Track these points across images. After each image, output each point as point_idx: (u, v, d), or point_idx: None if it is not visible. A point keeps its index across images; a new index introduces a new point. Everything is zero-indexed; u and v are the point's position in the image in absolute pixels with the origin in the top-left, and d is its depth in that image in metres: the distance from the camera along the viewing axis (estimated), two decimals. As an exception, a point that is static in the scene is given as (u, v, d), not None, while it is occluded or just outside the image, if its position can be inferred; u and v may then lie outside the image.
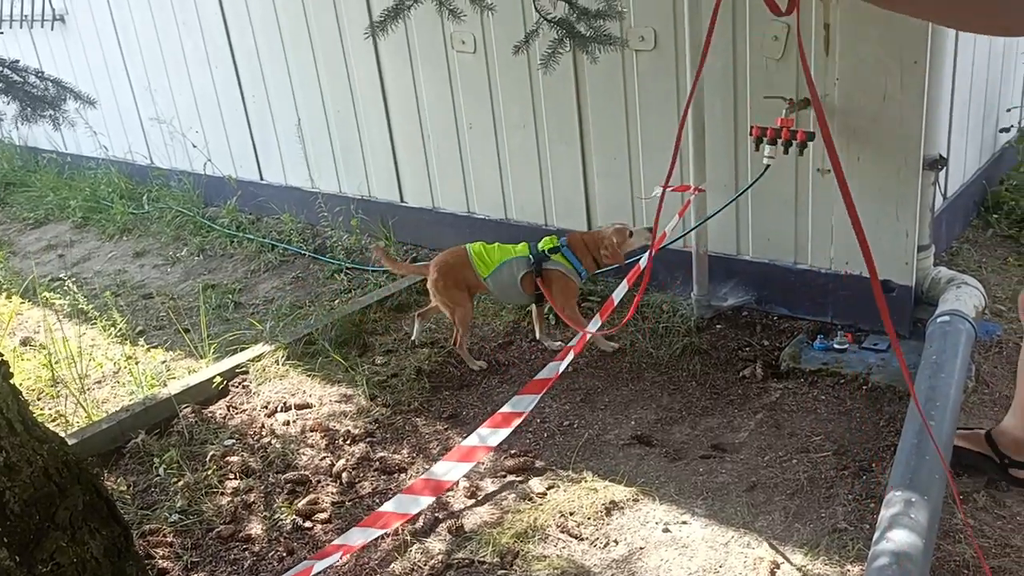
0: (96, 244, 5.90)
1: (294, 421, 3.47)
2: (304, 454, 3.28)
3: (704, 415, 3.28)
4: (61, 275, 5.23)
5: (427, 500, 2.82)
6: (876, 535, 2.24)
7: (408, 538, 2.77)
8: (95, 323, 4.47)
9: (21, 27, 6.62)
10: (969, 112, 3.99)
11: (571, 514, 2.80)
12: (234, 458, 3.27)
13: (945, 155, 3.48)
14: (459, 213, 4.74)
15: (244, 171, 5.76)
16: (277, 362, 3.86)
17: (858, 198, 1.78)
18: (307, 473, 3.16)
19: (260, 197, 5.64)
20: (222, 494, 3.10)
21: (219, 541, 2.89)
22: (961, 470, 2.73)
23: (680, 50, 3.61)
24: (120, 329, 4.42)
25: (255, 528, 2.94)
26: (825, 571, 2.46)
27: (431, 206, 4.85)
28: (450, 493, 2.96)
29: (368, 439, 3.34)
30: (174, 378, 3.90)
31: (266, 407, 3.59)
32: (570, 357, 3.22)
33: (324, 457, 3.25)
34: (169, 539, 2.90)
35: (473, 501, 2.95)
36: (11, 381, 2.16)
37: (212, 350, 4.06)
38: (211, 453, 3.28)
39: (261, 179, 5.69)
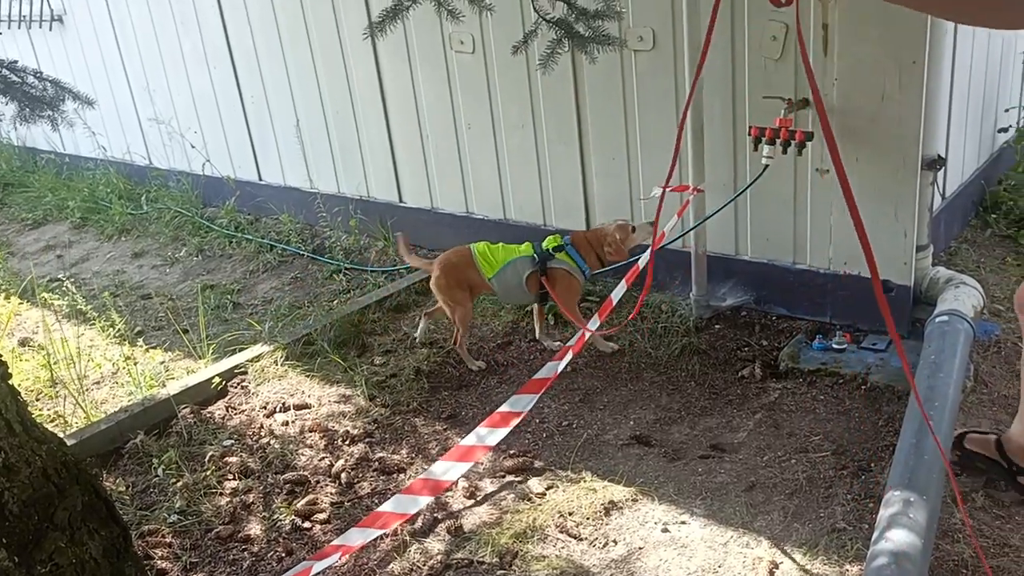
0: (95, 245, 5.89)
1: (293, 421, 3.47)
2: (303, 454, 3.28)
3: (703, 415, 3.28)
4: (60, 276, 5.23)
5: (426, 500, 2.82)
6: (875, 535, 2.24)
7: (407, 538, 2.77)
8: (94, 324, 4.47)
9: (20, 27, 6.63)
10: (967, 112, 3.99)
11: (570, 514, 2.80)
12: (233, 458, 3.27)
13: (943, 155, 3.49)
14: (458, 213, 4.74)
15: (243, 171, 5.76)
16: (276, 362, 3.86)
17: (857, 198, 1.78)
18: (306, 473, 3.16)
19: (259, 197, 5.64)
20: (221, 494, 3.10)
21: (218, 541, 2.89)
22: (970, 472, 2.73)
23: (679, 50, 3.61)
24: (119, 330, 4.42)
25: (254, 528, 2.94)
26: (824, 571, 2.46)
27: (430, 206, 4.85)
28: (449, 493, 2.96)
29: (367, 439, 3.34)
30: (173, 379, 3.90)
31: (265, 407, 3.59)
32: (569, 357, 3.22)
33: (323, 457, 3.25)
34: (168, 540, 2.90)
35: (472, 501, 2.95)
36: (10, 382, 2.16)
37: (211, 351, 4.05)
38: (210, 454, 3.28)
39: (260, 179, 5.69)
